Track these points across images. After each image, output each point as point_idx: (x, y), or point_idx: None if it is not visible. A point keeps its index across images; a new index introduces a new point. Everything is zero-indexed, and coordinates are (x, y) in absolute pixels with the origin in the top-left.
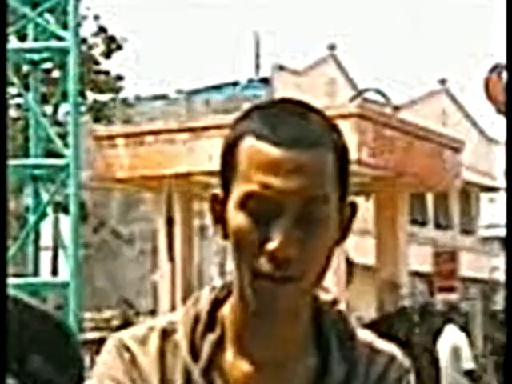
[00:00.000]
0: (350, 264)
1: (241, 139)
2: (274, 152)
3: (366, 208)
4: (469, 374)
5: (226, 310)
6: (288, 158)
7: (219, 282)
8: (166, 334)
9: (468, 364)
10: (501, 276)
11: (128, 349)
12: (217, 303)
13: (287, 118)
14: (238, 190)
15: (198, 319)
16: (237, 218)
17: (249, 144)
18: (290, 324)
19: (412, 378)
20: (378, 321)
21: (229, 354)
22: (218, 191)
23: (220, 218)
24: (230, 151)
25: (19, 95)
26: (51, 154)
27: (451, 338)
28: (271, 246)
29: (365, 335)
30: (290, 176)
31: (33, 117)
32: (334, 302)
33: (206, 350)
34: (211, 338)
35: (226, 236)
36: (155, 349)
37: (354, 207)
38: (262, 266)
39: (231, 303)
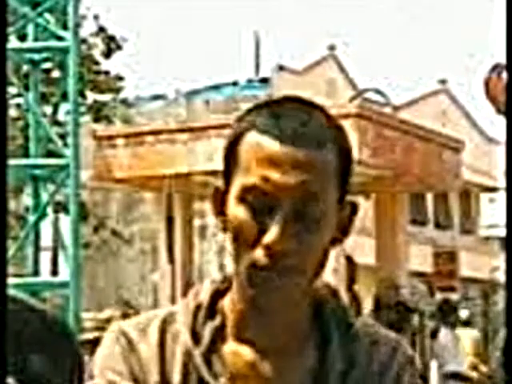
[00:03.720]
0: (352, 264)
1: (244, 133)
2: (275, 146)
3: (365, 208)
4: (454, 376)
5: (227, 301)
6: (289, 153)
7: (220, 275)
8: (167, 322)
9: (452, 366)
10: (501, 276)
11: (127, 336)
12: (217, 294)
13: (291, 114)
14: (238, 183)
15: (199, 308)
16: (236, 210)
17: (251, 138)
18: (289, 314)
19: (416, 366)
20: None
21: (229, 343)
22: (221, 184)
23: (221, 211)
24: (232, 145)
25: (19, 95)
26: (51, 154)
27: (442, 338)
28: (267, 238)
29: (366, 325)
30: (289, 171)
31: (33, 117)
32: (334, 293)
33: (206, 336)
34: (212, 324)
35: (225, 229)
36: (155, 336)
37: (354, 207)
38: (259, 259)
39: (231, 295)
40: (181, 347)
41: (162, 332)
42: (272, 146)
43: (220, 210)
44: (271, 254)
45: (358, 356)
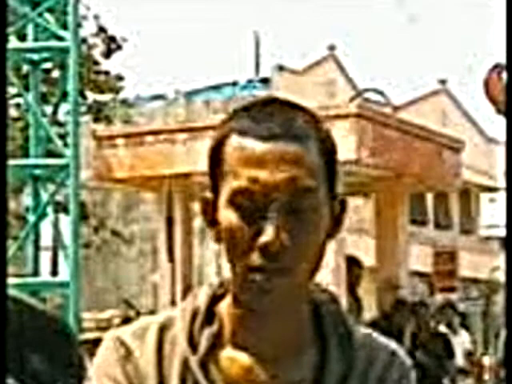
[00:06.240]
0: (358, 267)
1: (226, 138)
2: (258, 146)
3: (365, 208)
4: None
5: (224, 306)
6: (273, 150)
7: (217, 280)
8: (165, 328)
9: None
10: (501, 276)
11: (123, 344)
12: (215, 299)
13: (271, 114)
14: (226, 188)
15: (197, 313)
16: (227, 216)
17: (234, 142)
18: (287, 319)
19: (413, 377)
20: (378, 320)
21: (227, 349)
22: (208, 194)
23: (212, 221)
24: (216, 151)
25: (19, 95)
26: (51, 153)
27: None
28: (263, 239)
29: (365, 333)
30: (276, 168)
31: (33, 117)
32: (333, 299)
33: (204, 343)
34: (209, 331)
35: (218, 239)
36: (153, 342)
37: (343, 204)
38: (255, 261)
39: (229, 299)
40: (178, 355)
41: (160, 340)
42: (255, 145)
43: (211, 219)
44: (267, 255)
45: (357, 362)
